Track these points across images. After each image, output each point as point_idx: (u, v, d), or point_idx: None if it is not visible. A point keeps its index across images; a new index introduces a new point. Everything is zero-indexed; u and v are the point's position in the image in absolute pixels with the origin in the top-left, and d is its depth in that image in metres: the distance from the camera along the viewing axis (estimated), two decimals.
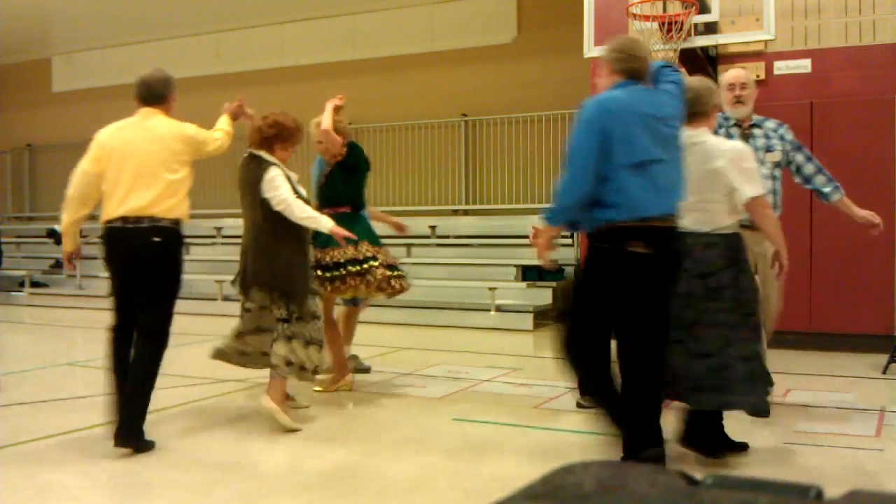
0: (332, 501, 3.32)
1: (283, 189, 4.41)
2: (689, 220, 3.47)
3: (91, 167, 4.14)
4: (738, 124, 4.56)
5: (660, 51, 6.63)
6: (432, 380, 5.76)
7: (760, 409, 3.60)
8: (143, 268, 4.00)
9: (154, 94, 4.19)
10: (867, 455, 3.91)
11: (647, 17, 6.67)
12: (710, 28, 6.90)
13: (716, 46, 7.30)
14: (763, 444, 4.12)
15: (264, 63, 12.69)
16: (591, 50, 7.03)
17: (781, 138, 4.57)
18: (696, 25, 6.73)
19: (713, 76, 7.41)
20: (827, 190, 4.61)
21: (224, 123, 4.52)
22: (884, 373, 5.96)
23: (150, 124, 4.13)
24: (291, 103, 12.22)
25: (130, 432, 3.90)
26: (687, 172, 3.38)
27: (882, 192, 6.87)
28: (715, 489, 0.76)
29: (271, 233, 4.43)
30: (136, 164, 4.00)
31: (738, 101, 4.51)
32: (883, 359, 6.12)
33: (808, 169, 4.63)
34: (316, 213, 4.55)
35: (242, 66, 12.82)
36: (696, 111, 3.55)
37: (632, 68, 3.31)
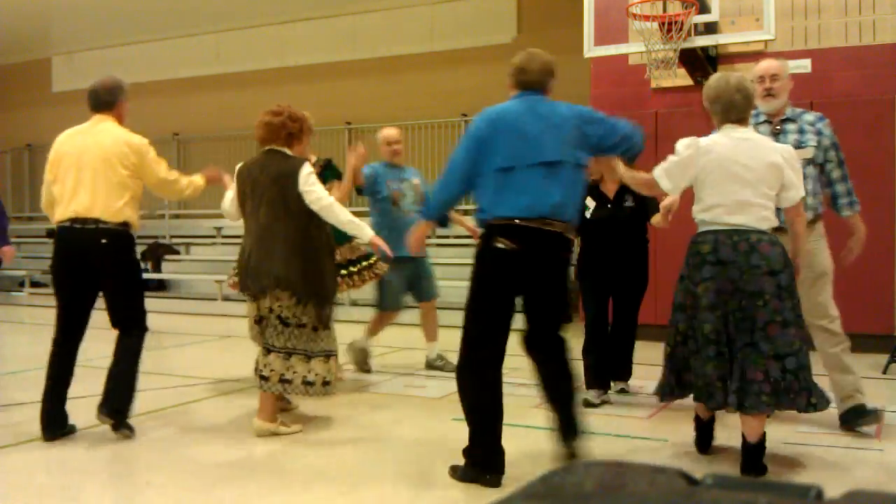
0: (331, 501, 3.32)
1: (321, 188, 4.21)
2: (750, 217, 3.48)
3: (48, 174, 4.28)
4: (768, 120, 4.24)
5: (660, 51, 6.63)
6: (432, 380, 5.76)
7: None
8: (97, 269, 4.11)
9: (101, 100, 4.29)
10: (867, 455, 3.91)
11: (647, 17, 6.66)
12: (710, 28, 6.90)
13: (716, 46, 7.29)
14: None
15: (264, 63, 12.69)
16: (591, 50, 7.03)
17: (818, 133, 4.24)
18: (696, 25, 6.73)
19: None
20: (842, 202, 4.36)
21: (197, 178, 4.55)
22: (884, 373, 5.96)
23: (98, 129, 4.24)
24: (291, 103, 12.24)
25: (119, 409, 4.07)
26: (740, 169, 3.48)
27: (882, 192, 6.87)
28: (715, 489, 0.76)
29: (303, 231, 4.18)
30: (81, 167, 4.11)
31: (769, 94, 4.18)
32: (883, 359, 6.12)
33: (836, 174, 4.33)
34: (357, 219, 4.34)
35: (242, 66, 12.82)
36: (734, 118, 3.61)
37: (523, 80, 3.58)
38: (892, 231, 6.84)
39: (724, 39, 6.98)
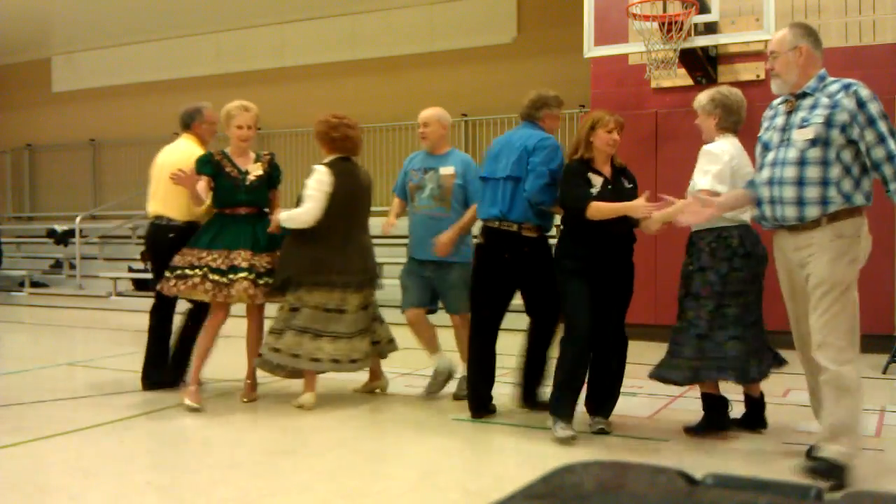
0: (332, 501, 3.32)
1: None
2: (748, 215, 4.03)
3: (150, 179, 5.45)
4: (786, 98, 3.73)
5: (660, 51, 6.64)
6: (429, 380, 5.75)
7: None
8: (170, 255, 4.97)
9: (182, 122, 5.44)
10: (867, 455, 3.90)
11: (647, 17, 6.67)
12: (710, 28, 6.90)
13: (716, 46, 7.29)
14: (763, 444, 4.13)
15: (264, 63, 12.69)
16: (591, 50, 7.03)
17: (833, 106, 3.49)
18: (696, 25, 6.73)
19: (713, 76, 7.42)
20: (892, 186, 3.54)
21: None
22: (884, 373, 5.96)
23: (175, 146, 5.42)
24: (291, 103, 12.29)
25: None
26: (748, 172, 3.99)
27: (882, 192, 6.86)
28: (715, 489, 0.76)
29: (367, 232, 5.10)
30: (159, 176, 5.24)
31: (773, 74, 3.75)
32: (883, 359, 6.12)
33: (878, 153, 3.45)
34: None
35: (242, 66, 12.82)
36: (736, 129, 4.27)
37: (526, 113, 4.92)
38: (893, 231, 6.83)
39: (724, 39, 6.99)
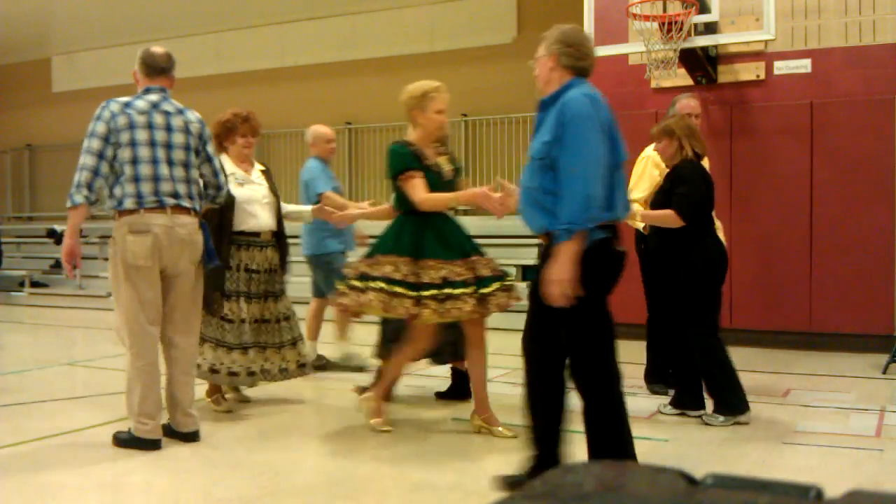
0: (332, 501, 3.32)
1: None
2: None
3: None
4: None
5: (660, 51, 6.63)
6: (432, 380, 5.75)
7: None
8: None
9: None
10: (867, 455, 3.90)
11: (647, 17, 6.67)
12: (710, 28, 6.90)
13: (716, 46, 7.29)
14: (763, 444, 4.13)
15: (264, 63, 12.69)
16: None
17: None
18: (696, 25, 6.73)
19: (713, 76, 7.42)
20: None
21: None
22: (884, 373, 5.96)
23: None
24: (291, 103, 12.27)
25: None
26: None
27: (882, 192, 6.87)
28: (715, 489, 0.76)
29: None
30: None
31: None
32: (883, 359, 6.12)
33: None
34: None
35: (242, 66, 12.82)
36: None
37: (584, 67, 3.30)
38: (892, 231, 6.84)
39: (724, 39, 6.98)
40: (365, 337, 6.12)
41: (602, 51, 7.12)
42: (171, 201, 3.95)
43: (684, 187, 4.40)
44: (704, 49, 7.17)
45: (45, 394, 5.30)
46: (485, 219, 11.07)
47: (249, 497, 3.34)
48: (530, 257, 8.90)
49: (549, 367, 3.23)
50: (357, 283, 4.03)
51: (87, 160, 3.92)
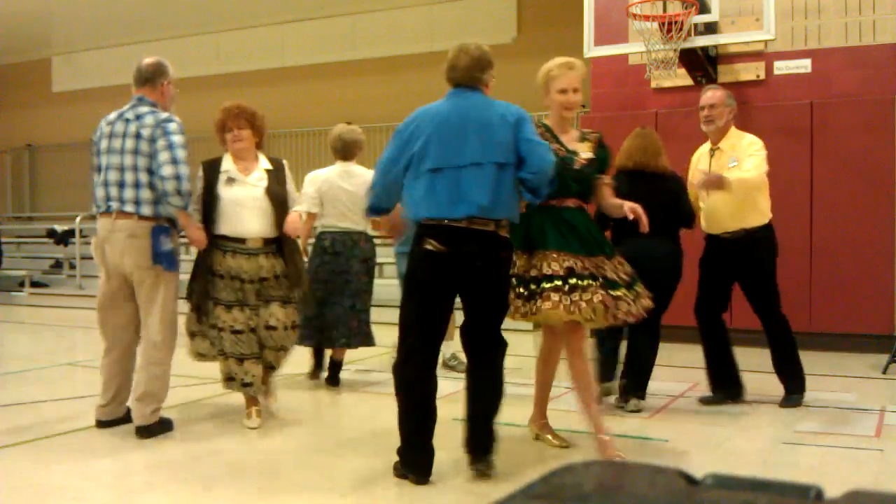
0: (332, 501, 3.32)
1: None
2: None
3: None
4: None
5: (660, 51, 6.63)
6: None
7: None
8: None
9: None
10: (867, 455, 3.91)
11: (647, 17, 6.67)
12: (710, 28, 6.90)
13: (716, 46, 7.30)
14: (763, 444, 4.13)
15: (264, 63, 12.69)
16: (591, 50, 7.03)
17: None
18: (696, 25, 6.73)
19: (713, 76, 7.42)
20: None
21: None
22: (884, 373, 5.96)
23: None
24: (291, 103, 12.26)
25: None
26: None
27: (882, 192, 6.87)
28: (715, 489, 0.76)
29: None
30: None
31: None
32: (883, 359, 6.12)
33: None
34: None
35: (242, 66, 12.82)
36: None
37: (452, 78, 3.67)
38: (892, 231, 6.84)
39: (724, 39, 6.98)
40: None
41: (602, 51, 7.13)
42: (114, 206, 4.18)
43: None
44: (704, 49, 7.18)
45: (45, 394, 5.30)
46: None
47: (250, 496, 3.34)
48: None
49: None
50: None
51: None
